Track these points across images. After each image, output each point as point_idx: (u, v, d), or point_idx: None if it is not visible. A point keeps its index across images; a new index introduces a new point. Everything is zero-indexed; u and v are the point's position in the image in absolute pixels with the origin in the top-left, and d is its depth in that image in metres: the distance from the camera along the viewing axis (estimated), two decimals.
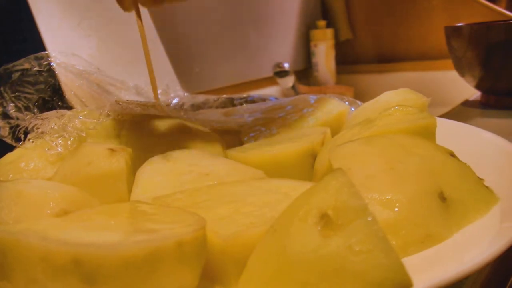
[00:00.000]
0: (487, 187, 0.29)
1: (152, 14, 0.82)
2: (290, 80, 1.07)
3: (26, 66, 0.52)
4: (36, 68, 0.52)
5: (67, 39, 0.66)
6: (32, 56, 0.52)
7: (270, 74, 1.09)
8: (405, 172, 0.27)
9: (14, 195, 0.28)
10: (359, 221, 0.19)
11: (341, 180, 0.21)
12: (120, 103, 0.44)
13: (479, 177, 0.30)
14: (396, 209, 0.25)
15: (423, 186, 0.26)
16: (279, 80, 1.07)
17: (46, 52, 0.53)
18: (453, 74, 0.78)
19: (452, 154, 0.30)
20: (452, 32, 0.69)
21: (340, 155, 0.30)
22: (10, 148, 0.43)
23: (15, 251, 0.21)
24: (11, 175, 0.38)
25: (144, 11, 0.80)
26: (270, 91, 1.13)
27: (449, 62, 0.75)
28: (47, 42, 0.63)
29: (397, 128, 0.32)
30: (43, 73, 0.52)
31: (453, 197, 0.27)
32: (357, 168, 0.28)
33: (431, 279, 0.20)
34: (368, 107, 0.43)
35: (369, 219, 0.19)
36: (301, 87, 1.16)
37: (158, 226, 0.22)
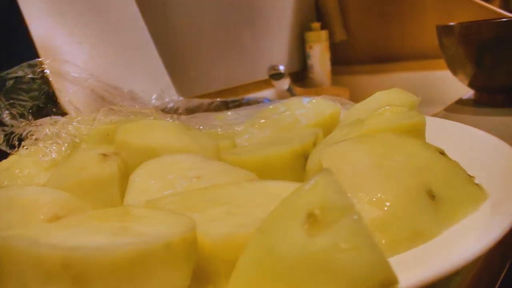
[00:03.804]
0: (477, 184, 0.29)
1: (146, 18, 0.82)
2: (285, 83, 1.07)
3: (20, 73, 0.52)
4: (30, 76, 0.52)
5: (60, 46, 0.66)
6: (25, 63, 0.53)
7: (266, 76, 1.09)
8: (394, 171, 0.27)
9: (6, 201, 0.28)
10: (345, 220, 0.19)
11: (328, 180, 0.21)
12: (114, 108, 0.44)
13: (469, 174, 0.30)
14: (385, 208, 0.25)
15: (412, 184, 0.26)
16: (275, 83, 1.08)
17: (40, 59, 0.53)
18: (447, 73, 0.78)
19: (442, 152, 0.31)
20: (444, 31, 0.69)
21: (330, 155, 0.30)
22: (5, 156, 0.43)
23: (6, 256, 0.21)
24: (5, 182, 0.38)
25: (138, 16, 0.80)
26: (265, 94, 1.14)
27: (444, 61, 0.76)
28: (40, 49, 0.63)
29: (387, 127, 0.33)
30: (37, 80, 0.52)
31: (442, 194, 0.27)
32: (347, 167, 0.28)
33: (418, 276, 0.20)
34: (360, 108, 0.44)
35: (355, 217, 0.19)
36: (297, 89, 1.17)
37: (148, 228, 0.22)
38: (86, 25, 0.70)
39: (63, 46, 0.66)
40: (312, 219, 0.20)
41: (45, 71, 0.52)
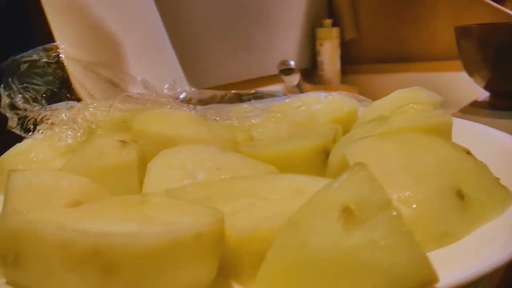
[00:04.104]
0: (503, 186, 0.29)
1: (160, 11, 0.81)
2: (295, 78, 1.07)
3: (35, 57, 0.52)
4: (45, 60, 0.52)
5: (75, 32, 0.65)
6: (40, 47, 0.52)
7: (276, 71, 1.09)
8: (423, 169, 0.27)
9: (26, 185, 0.28)
10: (383, 216, 0.19)
11: (363, 174, 0.21)
12: (131, 96, 0.43)
13: (495, 176, 0.30)
14: (413, 206, 0.25)
15: (441, 184, 0.26)
16: (285, 78, 1.07)
17: (55, 43, 0.52)
18: (460, 75, 0.78)
19: (469, 152, 0.30)
20: (462, 33, 0.69)
21: (356, 151, 0.29)
22: (19, 140, 0.43)
23: (31, 240, 0.21)
24: (20, 166, 0.38)
25: (153, 7, 0.80)
26: (275, 88, 1.13)
27: (456, 63, 0.75)
28: (56, 34, 0.63)
29: (413, 126, 0.32)
30: (51, 65, 0.52)
31: (470, 195, 0.26)
32: (374, 164, 0.27)
33: (451, 276, 0.19)
34: (380, 105, 0.43)
35: (394, 213, 0.18)
36: (306, 86, 1.16)
37: (176, 217, 0.22)
38: (102, 14, 0.69)
39: (78, 34, 0.65)
40: (347, 213, 0.19)
41: (60, 55, 0.52)
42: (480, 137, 0.38)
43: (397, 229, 0.18)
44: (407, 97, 0.40)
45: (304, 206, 0.22)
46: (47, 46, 0.51)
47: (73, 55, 0.53)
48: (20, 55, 0.51)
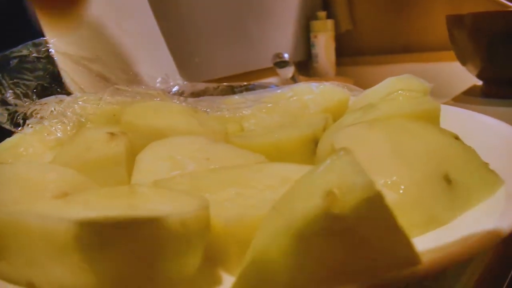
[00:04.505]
0: (492, 170, 0.29)
1: (152, 4, 0.81)
2: (289, 71, 1.07)
3: (25, 52, 0.51)
4: (35, 55, 0.51)
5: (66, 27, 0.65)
6: (30, 42, 0.51)
7: (270, 64, 1.08)
8: (410, 155, 0.27)
9: (13, 177, 0.28)
10: (367, 199, 0.18)
11: (346, 159, 0.20)
12: (120, 88, 0.43)
13: (483, 161, 0.30)
14: (400, 191, 0.25)
15: (428, 168, 0.26)
16: (279, 71, 1.07)
17: (45, 38, 0.52)
18: (454, 65, 0.77)
19: (457, 138, 0.30)
20: (454, 22, 0.68)
21: (343, 138, 0.29)
22: (9, 134, 0.42)
23: (13, 231, 0.21)
24: (10, 160, 0.38)
25: (144, 1, 0.79)
26: (270, 81, 1.13)
27: (451, 53, 0.75)
28: (46, 29, 0.62)
29: (401, 112, 0.32)
30: (41, 60, 0.51)
31: (458, 179, 0.26)
32: (361, 150, 0.27)
33: (434, 258, 0.19)
34: (370, 93, 0.43)
35: (377, 196, 0.18)
36: (301, 78, 1.16)
37: (160, 206, 0.22)
38: (94, 8, 0.69)
39: (69, 28, 0.65)
40: (331, 197, 0.19)
41: (50, 50, 0.51)
42: (469, 122, 0.38)
43: (380, 212, 0.18)
44: (397, 85, 0.40)
45: (287, 192, 0.21)
46: (37, 41, 0.51)
47: (63, 50, 0.53)
48: (10, 50, 0.51)
